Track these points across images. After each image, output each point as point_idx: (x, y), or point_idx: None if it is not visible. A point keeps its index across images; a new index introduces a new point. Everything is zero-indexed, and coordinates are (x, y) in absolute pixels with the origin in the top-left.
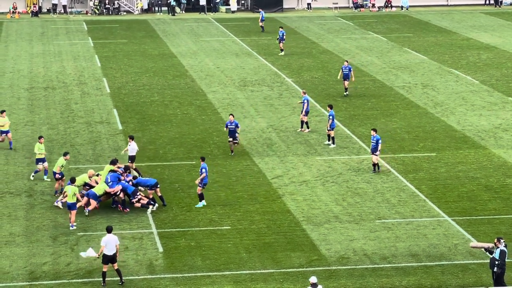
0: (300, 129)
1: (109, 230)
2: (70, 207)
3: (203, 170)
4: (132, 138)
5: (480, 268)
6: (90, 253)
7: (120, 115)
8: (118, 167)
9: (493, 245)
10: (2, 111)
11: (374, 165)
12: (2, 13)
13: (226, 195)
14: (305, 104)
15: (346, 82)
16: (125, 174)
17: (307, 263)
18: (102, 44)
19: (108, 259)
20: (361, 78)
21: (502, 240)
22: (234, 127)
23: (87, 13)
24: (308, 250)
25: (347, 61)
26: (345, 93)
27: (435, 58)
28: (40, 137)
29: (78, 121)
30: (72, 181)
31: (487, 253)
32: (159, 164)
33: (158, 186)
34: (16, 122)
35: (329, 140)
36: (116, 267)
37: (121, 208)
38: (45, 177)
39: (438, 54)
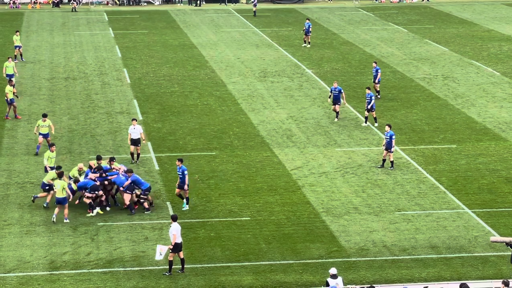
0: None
1: (175, 218)
2: (61, 202)
3: (186, 172)
4: (136, 120)
5: (500, 261)
6: (162, 249)
7: (140, 105)
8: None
9: None
10: (44, 115)
11: (384, 160)
12: (24, 3)
13: (245, 186)
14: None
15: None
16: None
17: (327, 255)
18: (122, 34)
19: (180, 248)
20: (381, 69)
21: None
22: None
23: (107, 3)
24: (327, 241)
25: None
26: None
27: (456, 50)
28: (51, 145)
29: (98, 111)
30: (60, 175)
31: (509, 247)
32: (179, 155)
33: (147, 193)
34: (37, 112)
35: (373, 122)
36: (182, 256)
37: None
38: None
39: (459, 46)
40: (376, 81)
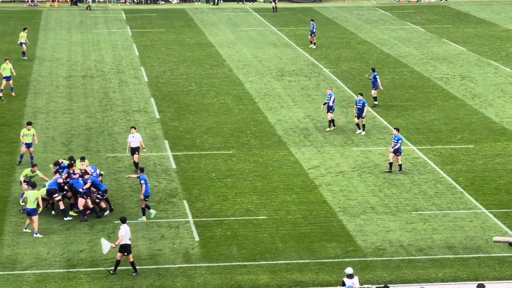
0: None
1: (124, 220)
2: (31, 213)
3: (142, 181)
4: (135, 128)
5: None
6: (106, 245)
7: (158, 104)
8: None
9: None
10: (28, 123)
11: (397, 165)
12: (42, 1)
13: (262, 184)
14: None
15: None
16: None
17: (343, 254)
18: (140, 33)
19: (129, 250)
20: (399, 69)
21: None
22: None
23: (125, 2)
24: (344, 240)
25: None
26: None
27: (474, 50)
28: (34, 165)
29: (116, 109)
30: (33, 186)
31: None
32: (195, 153)
33: (104, 195)
34: (55, 110)
35: (359, 129)
36: (131, 259)
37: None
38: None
39: (477, 46)
40: (376, 87)
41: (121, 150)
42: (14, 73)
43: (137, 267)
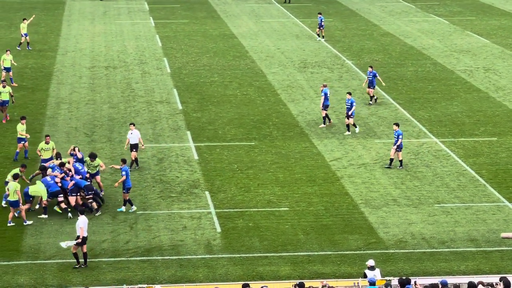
0: (322, 125)
1: (82, 212)
2: (13, 205)
3: (123, 173)
4: (133, 124)
5: None
6: (69, 243)
7: (180, 95)
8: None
9: None
10: (22, 118)
11: (398, 160)
12: None
13: (284, 176)
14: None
15: (371, 90)
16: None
17: (365, 246)
18: (163, 24)
19: (84, 242)
20: (422, 61)
21: None
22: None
23: None
24: (366, 233)
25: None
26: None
27: (497, 42)
28: (23, 166)
29: (138, 100)
30: (15, 177)
31: None
32: (218, 145)
33: (79, 193)
34: (78, 100)
35: (348, 130)
36: (85, 250)
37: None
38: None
39: (501, 38)
40: (372, 86)
41: (143, 141)
42: (15, 63)
43: (161, 258)
